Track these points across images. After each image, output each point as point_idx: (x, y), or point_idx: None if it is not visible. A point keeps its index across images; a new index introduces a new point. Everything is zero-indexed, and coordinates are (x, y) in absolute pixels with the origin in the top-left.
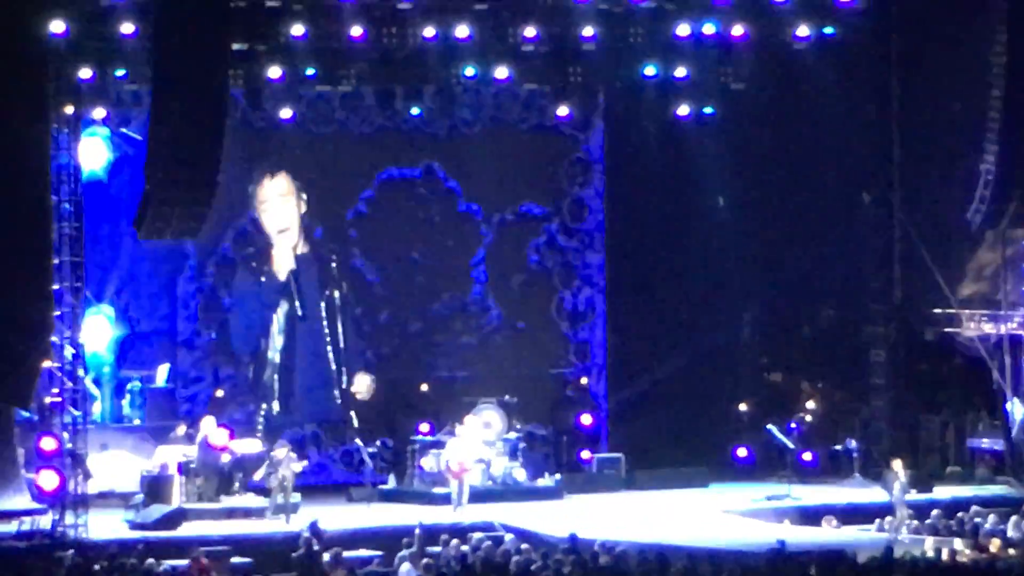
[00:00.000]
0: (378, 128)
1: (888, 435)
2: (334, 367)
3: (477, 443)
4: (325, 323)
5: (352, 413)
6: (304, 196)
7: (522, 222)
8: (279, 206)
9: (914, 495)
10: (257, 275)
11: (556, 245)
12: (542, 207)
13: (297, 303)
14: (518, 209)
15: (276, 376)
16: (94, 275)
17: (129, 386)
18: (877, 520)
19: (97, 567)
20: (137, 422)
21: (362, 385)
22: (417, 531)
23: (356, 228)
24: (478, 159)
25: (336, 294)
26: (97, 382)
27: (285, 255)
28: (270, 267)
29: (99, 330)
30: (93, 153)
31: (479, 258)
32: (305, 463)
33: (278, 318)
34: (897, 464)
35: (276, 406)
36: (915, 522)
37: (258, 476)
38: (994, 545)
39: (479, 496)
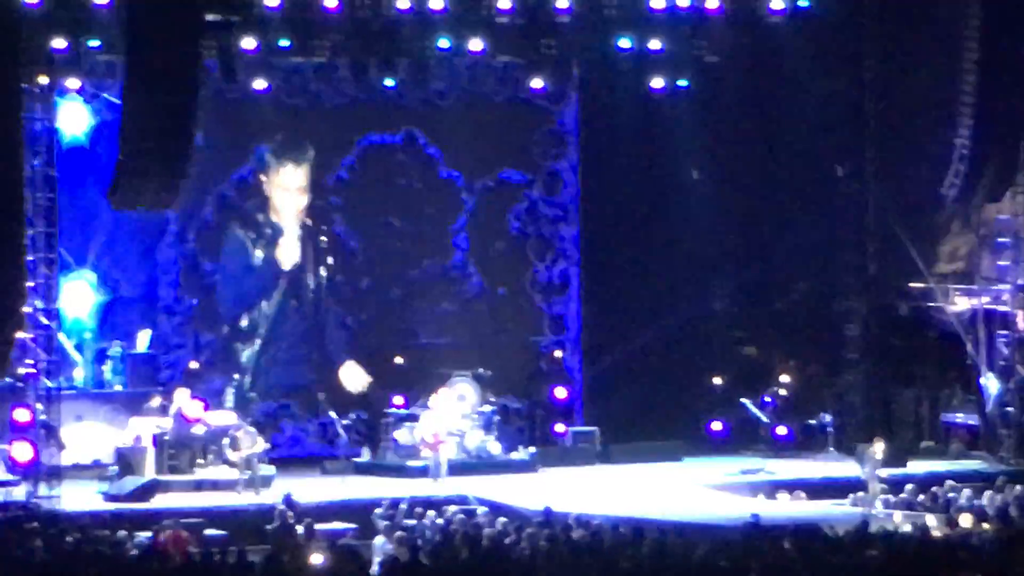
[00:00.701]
0: (352, 100)
1: (862, 409)
2: (317, 350)
3: (452, 416)
4: (312, 303)
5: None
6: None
7: (503, 189)
8: (297, 197)
9: (885, 473)
10: (246, 247)
11: (537, 212)
12: (522, 174)
13: (293, 298)
14: (497, 176)
15: (256, 349)
16: (75, 240)
17: (110, 351)
18: (851, 495)
19: (70, 539)
20: (119, 387)
21: (355, 381)
22: (388, 506)
23: (337, 195)
24: (455, 128)
25: (324, 272)
26: (79, 348)
27: (291, 244)
28: (274, 252)
29: (81, 295)
30: (74, 118)
31: (460, 224)
32: (267, 445)
33: (272, 300)
34: (878, 443)
35: (248, 380)
36: (889, 497)
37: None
38: (968, 520)
39: (453, 469)
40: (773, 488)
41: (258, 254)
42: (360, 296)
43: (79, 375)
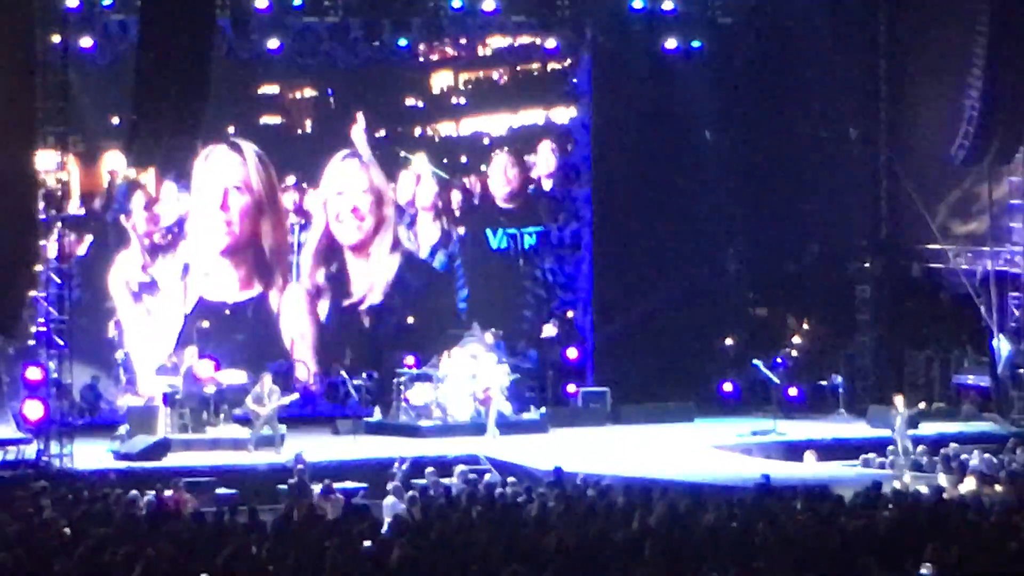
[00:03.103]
0: (365, 60)
1: (873, 371)
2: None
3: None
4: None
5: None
6: None
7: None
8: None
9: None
10: None
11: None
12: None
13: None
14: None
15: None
16: None
17: None
18: (862, 456)
19: (81, 497)
20: None
21: None
22: (403, 465)
23: None
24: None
25: None
26: None
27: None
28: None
29: None
30: None
31: None
32: (295, 396)
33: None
34: (899, 400)
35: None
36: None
37: (243, 408)
38: (978, 482)
39: (464, 430)
40: (786, 449)
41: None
42: None
43: None
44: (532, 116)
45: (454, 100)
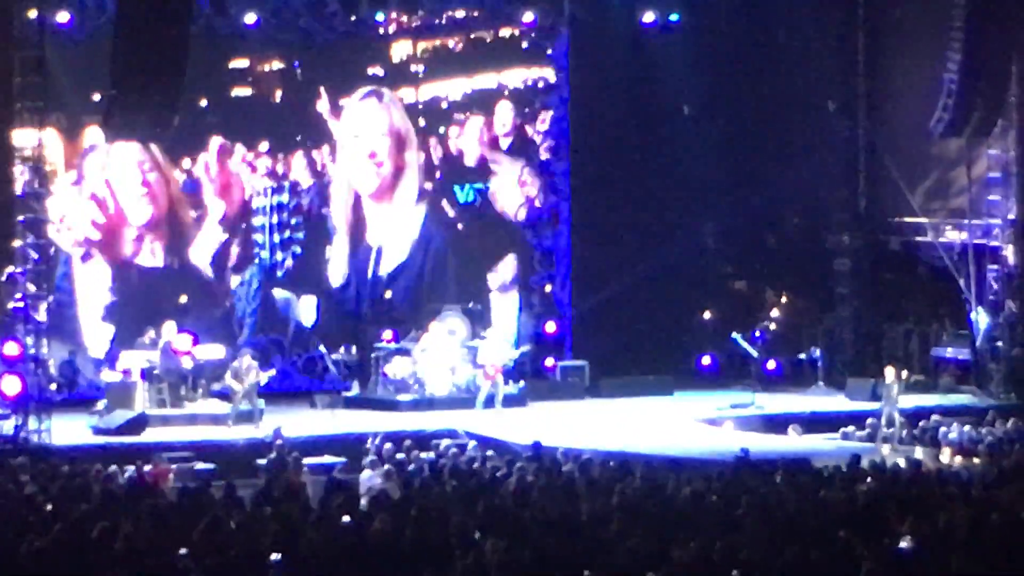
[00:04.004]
0: (342, 35)
1: (852, 344)
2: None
3: (441, 350)
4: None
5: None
6: None
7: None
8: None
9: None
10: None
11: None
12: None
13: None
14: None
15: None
16: None
17: None
18: (841, 429)
19: (59, 472)
20: None
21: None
22: (376, 440)
23: None
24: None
25: None
26: None
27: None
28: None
29: None
30: None
31: None
32: (272, 372)
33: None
34: (889, 371)
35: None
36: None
37: (221, 383)
38: (957, 454)
39: (443, 404)
40: (765, 423)
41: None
42: None
43: None
44: (501, 79)
45: (413, 68)
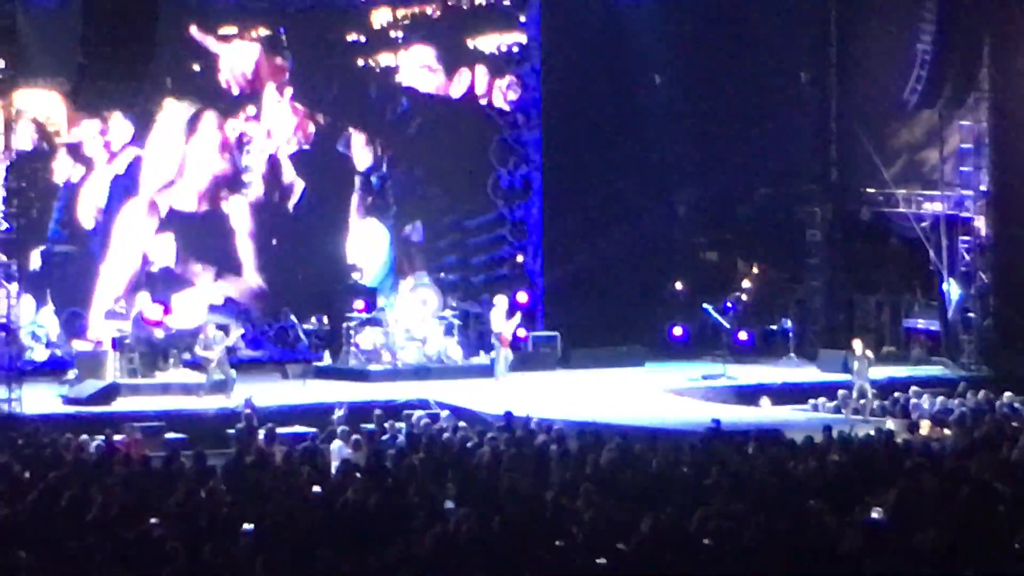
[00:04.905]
0: (321, 1)
1: (823, 315)
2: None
3: (413, 320)
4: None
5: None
6: None
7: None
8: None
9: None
10: None
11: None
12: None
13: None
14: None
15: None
16: None
17: None
18: (810, 400)
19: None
20: None
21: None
22: (341, 410)
23: None
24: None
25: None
26: None
27: None
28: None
29: None
30: None
31: None
32: (241, 331)
33: None
34: (857, 343)
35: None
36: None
37: (192, 354)
38: (928, 426)
39: (415, 374)
40: (736, 393)
41: None
42: None
43: None
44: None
45: (392, 34)
